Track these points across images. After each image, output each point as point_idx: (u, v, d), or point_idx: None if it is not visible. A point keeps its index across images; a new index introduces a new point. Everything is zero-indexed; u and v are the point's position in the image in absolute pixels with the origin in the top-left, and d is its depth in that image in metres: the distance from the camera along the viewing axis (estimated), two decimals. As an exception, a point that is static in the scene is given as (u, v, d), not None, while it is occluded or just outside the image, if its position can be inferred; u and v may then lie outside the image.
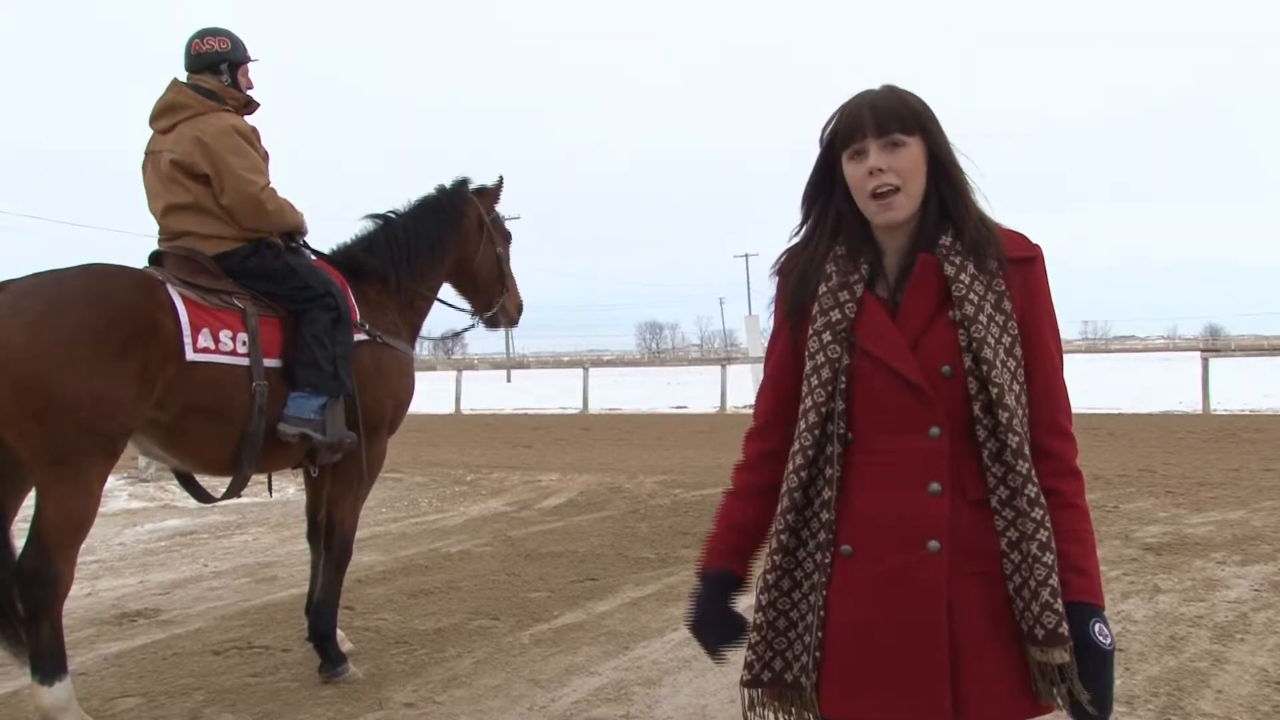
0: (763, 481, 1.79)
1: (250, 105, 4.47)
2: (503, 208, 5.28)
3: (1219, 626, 4.65)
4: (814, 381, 1.69)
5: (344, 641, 4.51)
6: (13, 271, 3.74)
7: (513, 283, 5.30)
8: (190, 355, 3.78)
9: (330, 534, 4.46)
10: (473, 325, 5.40)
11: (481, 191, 5.13)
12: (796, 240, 1.81)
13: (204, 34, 4.38)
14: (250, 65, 4.48)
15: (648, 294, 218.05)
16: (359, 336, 4.37)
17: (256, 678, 4.31)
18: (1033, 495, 1.61)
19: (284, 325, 4.17)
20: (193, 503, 5.60)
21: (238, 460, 4.05)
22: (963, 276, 1.65)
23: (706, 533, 1.90)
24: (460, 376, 24.31)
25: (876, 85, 1.73)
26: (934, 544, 1.62)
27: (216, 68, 4.36)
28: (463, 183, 5.05)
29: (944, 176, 1.70)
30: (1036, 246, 1.73)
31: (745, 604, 1.82)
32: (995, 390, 1.61)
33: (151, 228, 4.36)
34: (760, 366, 1.97)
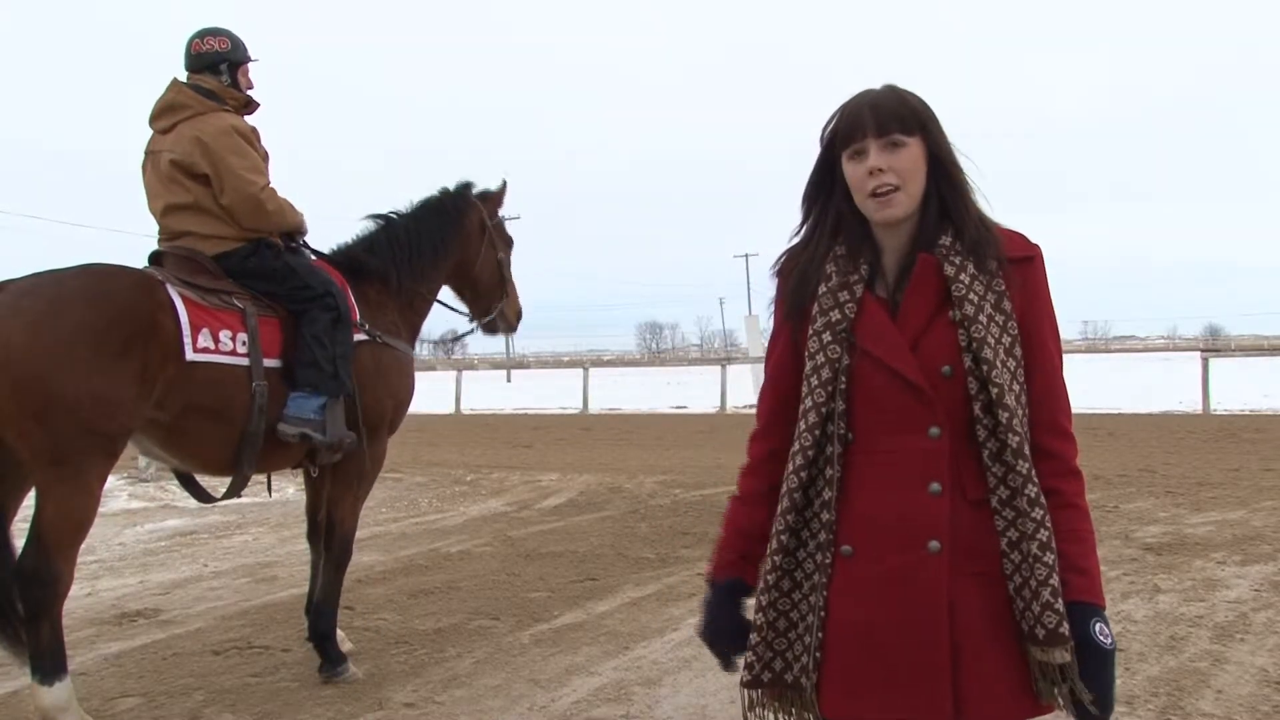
0: (767, 485, 1.79)
1: (250, 105, 4.47)
2: (504, 210, 5.28)
3: (1219, 626, 4.65)
4: (814, 382, 1.69)
5: (344, 641, 4.51)
6: (13, 271, 3.75)
7: (513, 289, 5.28)
8: (190, 355, 3.78)
9: (330, 534, 4.46)
10: (471, 330, 5.39)
11: (485, 196, 5.12)
12: (796, 240, 1.81)
13: (204, 34, 4.38)
14: (250, 65, 4.48)
15: (648, 294, 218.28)
16: (359, 336, 4.37)
17: (256, 678, 4.31)
18: (1033, 495, 1.61)
19: (284, 325, 4.17)
20: (193, 503, 5.61)
21: (238, 460, 4.05)
22: (963, 276, 1.65)
23: (712, 536, 1.90)
24: (460, 376, 24.30)
25: (877, 85, 1.73)
26: (934, 544, 1.62)
27: (216, 68, 4.36)
28: (466, 186, 5.04)
29: (944, 176, 1.70)
30: (1036, 246, 1.73)
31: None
32: (995, 390, 1.61)
33: (151, 228, 4.37)
34: (760, 367, 1.97)
